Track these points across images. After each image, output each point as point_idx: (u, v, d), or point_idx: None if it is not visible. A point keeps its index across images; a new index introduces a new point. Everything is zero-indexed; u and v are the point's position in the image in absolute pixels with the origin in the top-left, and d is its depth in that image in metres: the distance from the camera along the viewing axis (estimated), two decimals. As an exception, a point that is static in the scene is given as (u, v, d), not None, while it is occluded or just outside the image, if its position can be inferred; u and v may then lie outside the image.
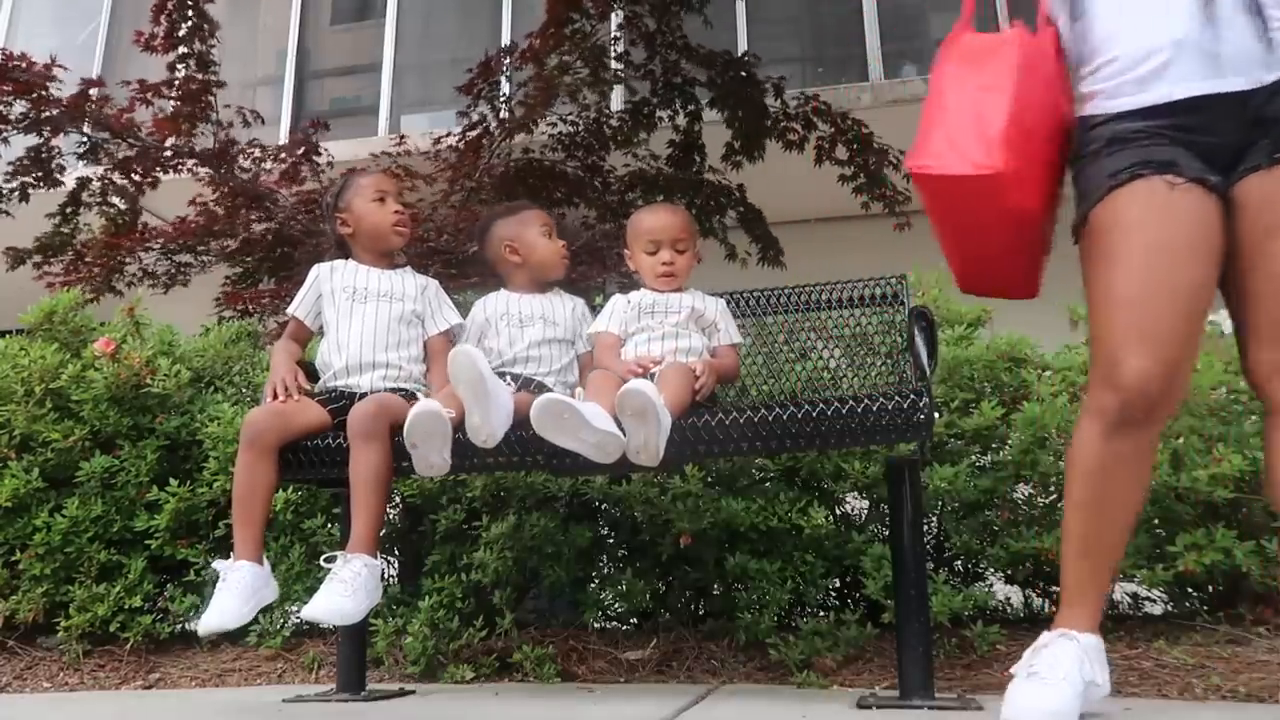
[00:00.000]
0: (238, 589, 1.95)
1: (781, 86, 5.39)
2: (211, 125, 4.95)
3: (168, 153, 4.92)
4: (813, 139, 5.43)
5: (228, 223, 5.00)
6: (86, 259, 5.03)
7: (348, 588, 1.89)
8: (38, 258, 5.21)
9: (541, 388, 2.18)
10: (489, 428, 1.91)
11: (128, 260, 5.07)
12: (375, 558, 1.97)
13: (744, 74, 5.33)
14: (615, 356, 2.25)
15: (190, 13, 4.87)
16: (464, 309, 2.49)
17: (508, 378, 2.15)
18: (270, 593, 2.04)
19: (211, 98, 4.92)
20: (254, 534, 2.02)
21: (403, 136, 5.45)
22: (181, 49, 4.92)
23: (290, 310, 2.40)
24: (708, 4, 5.38)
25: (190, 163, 4.85)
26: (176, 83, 4.94)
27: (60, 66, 4.66)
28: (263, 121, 5.31)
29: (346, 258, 2.43)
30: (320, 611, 1.87)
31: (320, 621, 1.99)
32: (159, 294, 5.15)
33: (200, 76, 4.91)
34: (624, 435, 1.87)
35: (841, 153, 5.45)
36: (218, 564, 2.01)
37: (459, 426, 1.96)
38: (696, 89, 5.39)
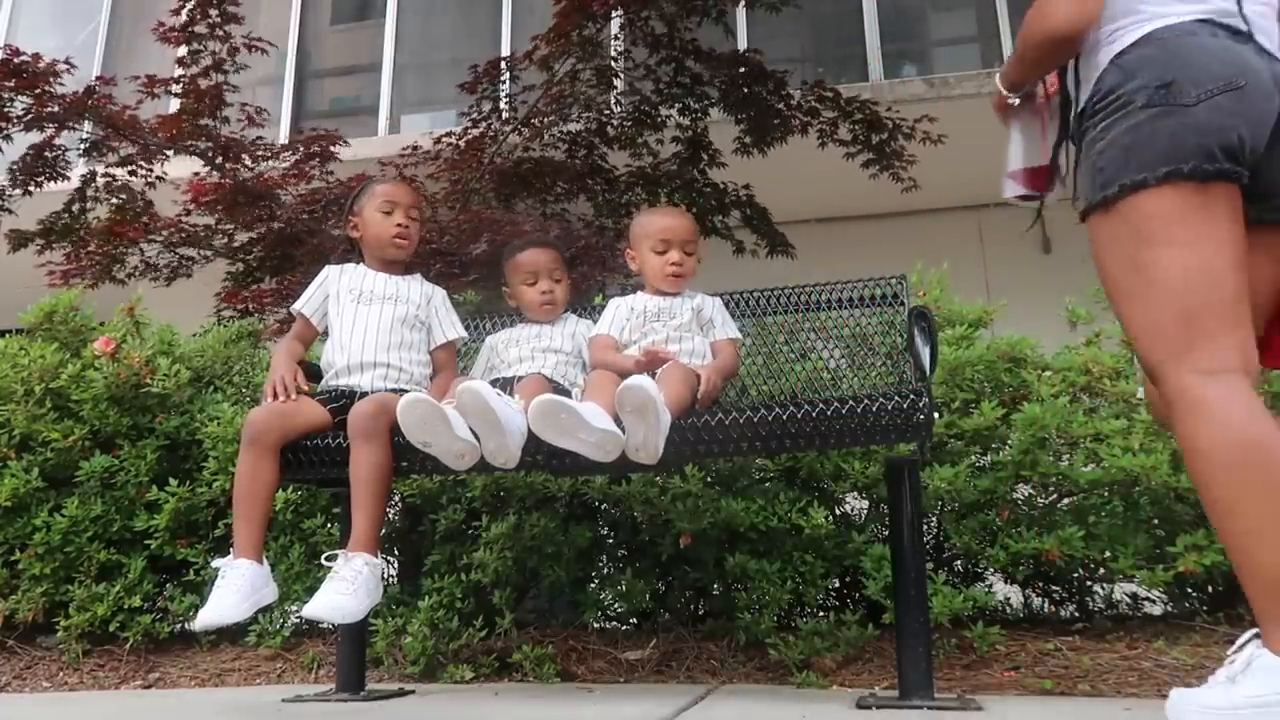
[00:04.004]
0: (237, 586, 1.95)
1: (784, 80, 5.40)
2: (217, 122, 4.96)
3: (169, 151, 4.93)
4: (816, 125, 5.44)
5: (231, 217, 5.00)
6: (89, 247, 5.03)
7: (349, 586, 1.89)
8: (40, 241, 5.20)
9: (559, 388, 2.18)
10: (505, 452, 1.95)
11: (130, 251, 5.07)
12: (376, 556, 1.97)
13: (750, 71, 5.33)
14: (613, 355, 2.25)
15: (214, 11, 4.88)
16: (464, 309, 2.48)
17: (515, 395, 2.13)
18: (270, 593, 2.04)
19: (223, 96, 4.93)
20: (255, 532, 2.02)
21: (415, 147, 5.37)
22: (195, 45, 4.93)
23: (297, 306, 2.41)
24: (724, 15, 5.39)
25: (201, 145, 4.86)
26: (184, 82, 4.95)
27: (69, 65, 4.67)
28: (267, 120, 5.31)
29: (359, 261, 2.46)
30: (321, 609, 1.87)
31: (321, 619, 1.99)
32: (161, 287, 5.15)
33: (211, 78, 4.92)
34: (623, 433, 1.87)
35: (845, 134, 5.46)
36: (218, 561, 2.02)
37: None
38: (704, 88, 5.39)
